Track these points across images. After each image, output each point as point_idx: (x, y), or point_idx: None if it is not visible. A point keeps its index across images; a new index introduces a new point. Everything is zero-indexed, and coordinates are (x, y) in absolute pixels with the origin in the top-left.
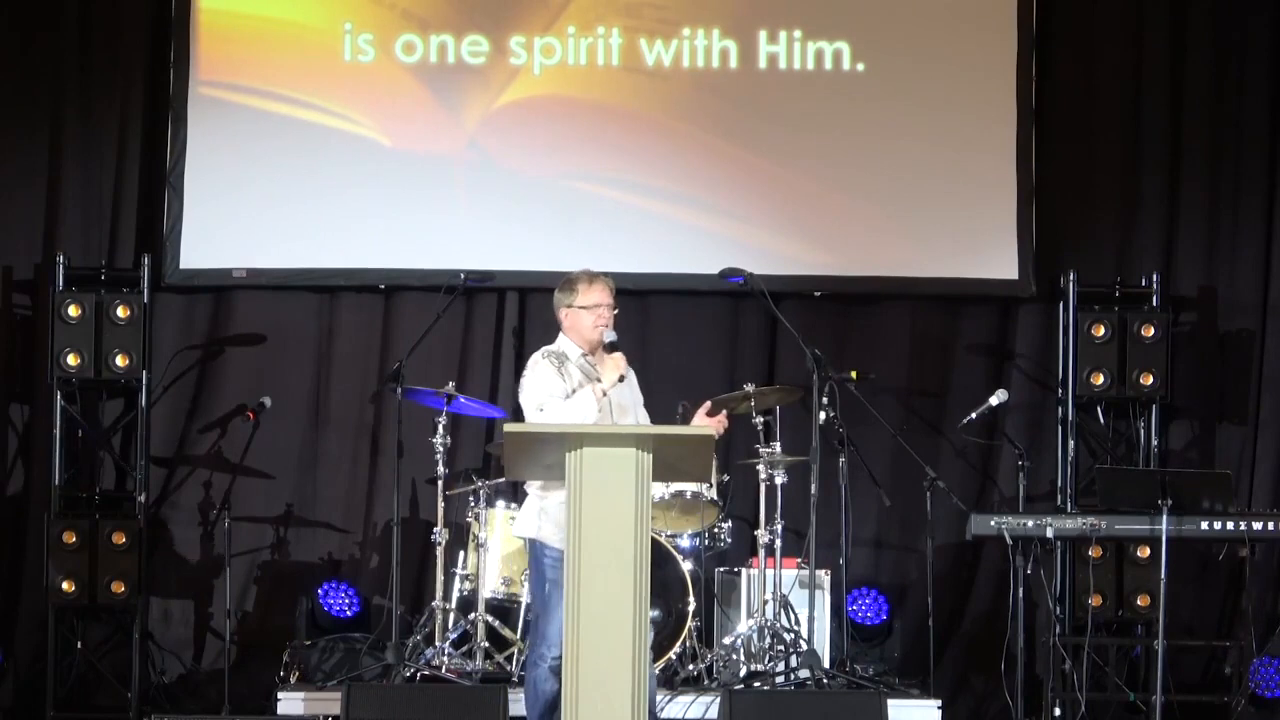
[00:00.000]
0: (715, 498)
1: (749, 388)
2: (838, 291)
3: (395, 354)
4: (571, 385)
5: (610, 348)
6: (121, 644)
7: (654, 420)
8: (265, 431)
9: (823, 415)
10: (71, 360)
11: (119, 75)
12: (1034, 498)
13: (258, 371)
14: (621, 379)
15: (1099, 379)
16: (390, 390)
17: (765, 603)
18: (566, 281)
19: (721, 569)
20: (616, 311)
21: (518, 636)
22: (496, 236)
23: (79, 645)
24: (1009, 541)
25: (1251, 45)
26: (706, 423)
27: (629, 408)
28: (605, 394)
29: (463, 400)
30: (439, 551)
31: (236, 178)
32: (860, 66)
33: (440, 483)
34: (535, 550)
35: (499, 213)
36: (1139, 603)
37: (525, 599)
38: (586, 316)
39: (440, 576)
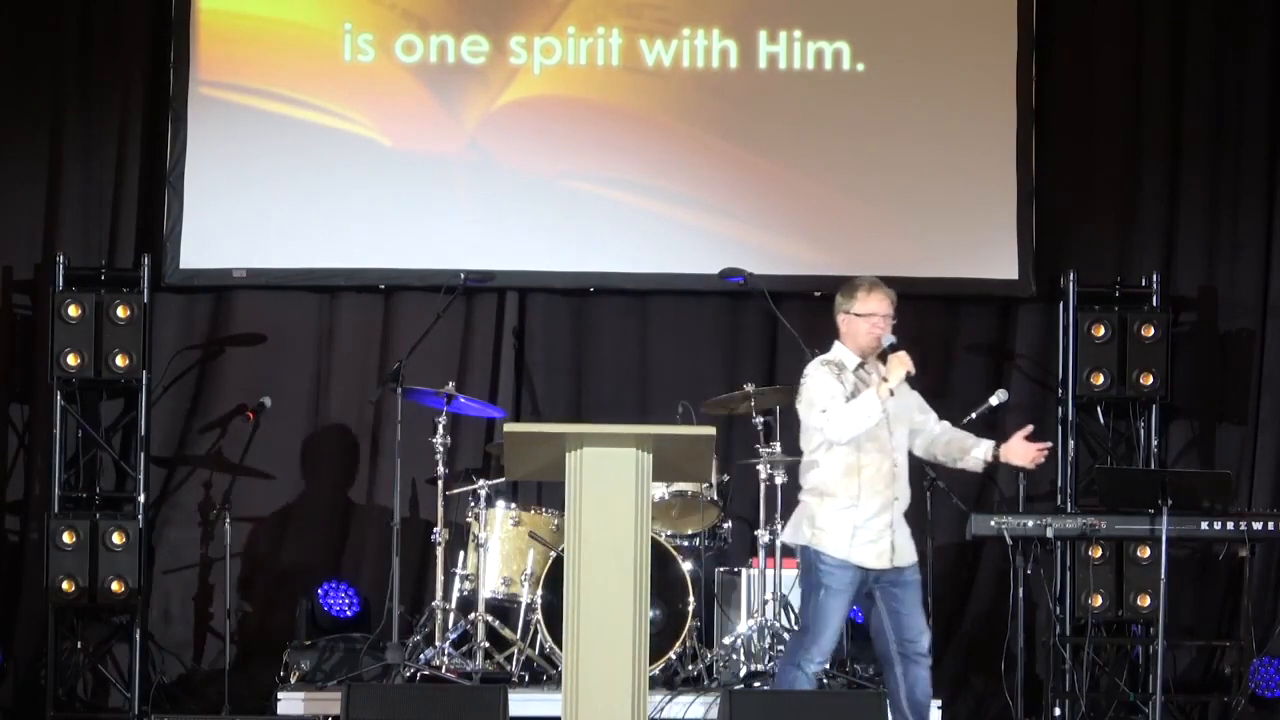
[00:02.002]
0: (715, 498)
1: (749, 388)
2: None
3: (395, 354)
4: (849, 391)
5: (891, 349)
6: (121, 644)
7: (654, 420)
8: (265, 431)
9: None
10: (71, 360)
11: (119, 75)
12: (1034, 498)
13: (258, 371)
14: (909, 375)
15: (1099, 379)
16: (390, 390)
17: (765, 603)
18: (848, 286)
19: (721, 569)
20: (895, 322)
21: (518, 636)
22: (496, 236)
23: (79, 645)
24: (1009, 541)
25: (1252, 45)
26: (1025, 450)
27: (904, 415)
28: (893, 393)
29: (463, 400)
30: (439, 551)
31: (236, 178)
32: (860, 66)
33: (440, 483)
34: (809, 557)
35: (499, 213)
36: (1139, 603)
37: (525, 599)
38: (862, 324)
39: (440, 576)
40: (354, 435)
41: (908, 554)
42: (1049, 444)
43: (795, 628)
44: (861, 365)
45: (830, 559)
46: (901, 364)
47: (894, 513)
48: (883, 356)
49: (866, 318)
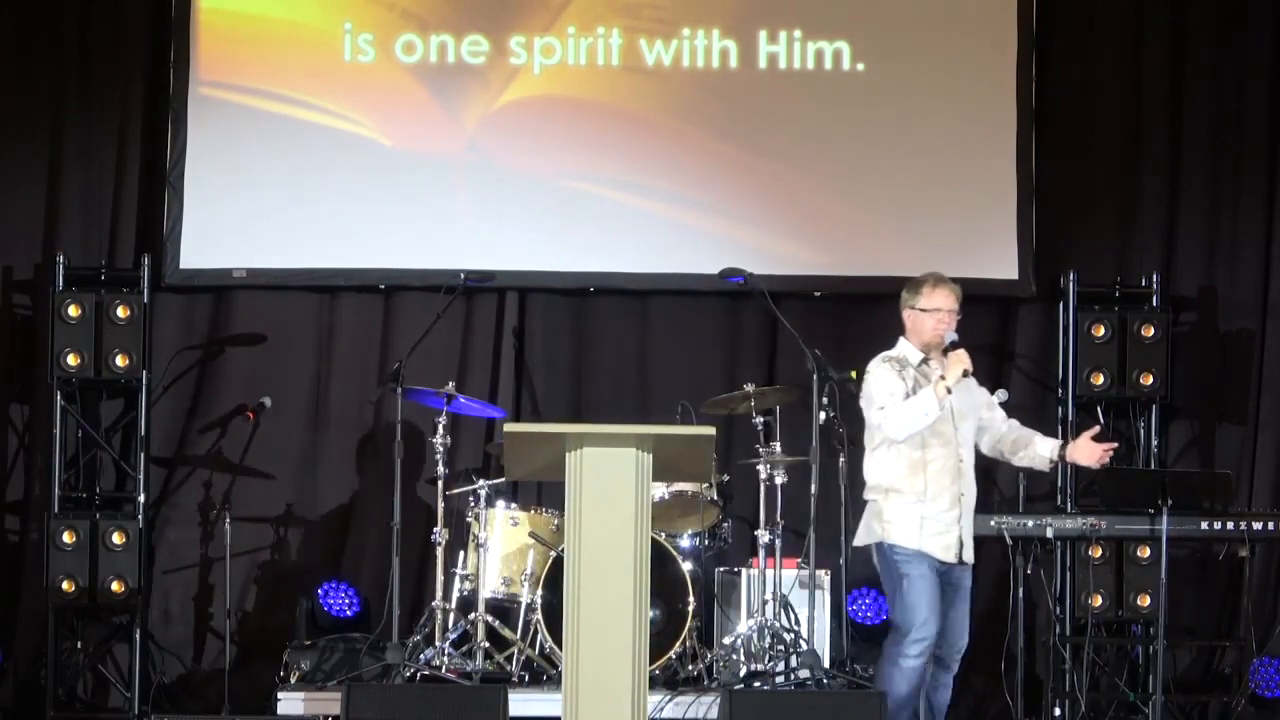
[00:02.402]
0: (715, 498)
1: (749, 388)
2: (838, 291)
3: (395, 354)
4: (910, 388)
5: (952, 347)
6: (121, 644)
7: (654, 420)
8: (265, 431)
9: (823, 415)
10: (71, 360)
11: (119, 75)
12: (1034, 498)
13: (258, 371)
14: (967, 373)
15: (1099, 379)
16: (390, 390)
17: (765, 603)
18: (912, 283)
19: (721, 569)
20: (959, 318)
21: (518, 636)
22: (496, 236)
23: (79, 645)
24: (1009, 541)
25: (1252, 45)
26: (1092, 450)
27: (969, 412)
28: (950, 391)
29: (463, 400)
30: (439, 551)
31: (236, 178)
32: (860, 67)
33: (440, 483)
34: (884, 553)
35: (499, 213)
36: (1139, 603)
37: (525, 599)
38: (927, 319)
39: (440, 576)
40: (354, 435)
41: (971, 552)
42: (1115, 444)
43: (795, 628)
44: (925, 361)
45: (904, 549)
46: (960, 362)
47: (961, 508)
48: (946, 353)
49: (931, 313)
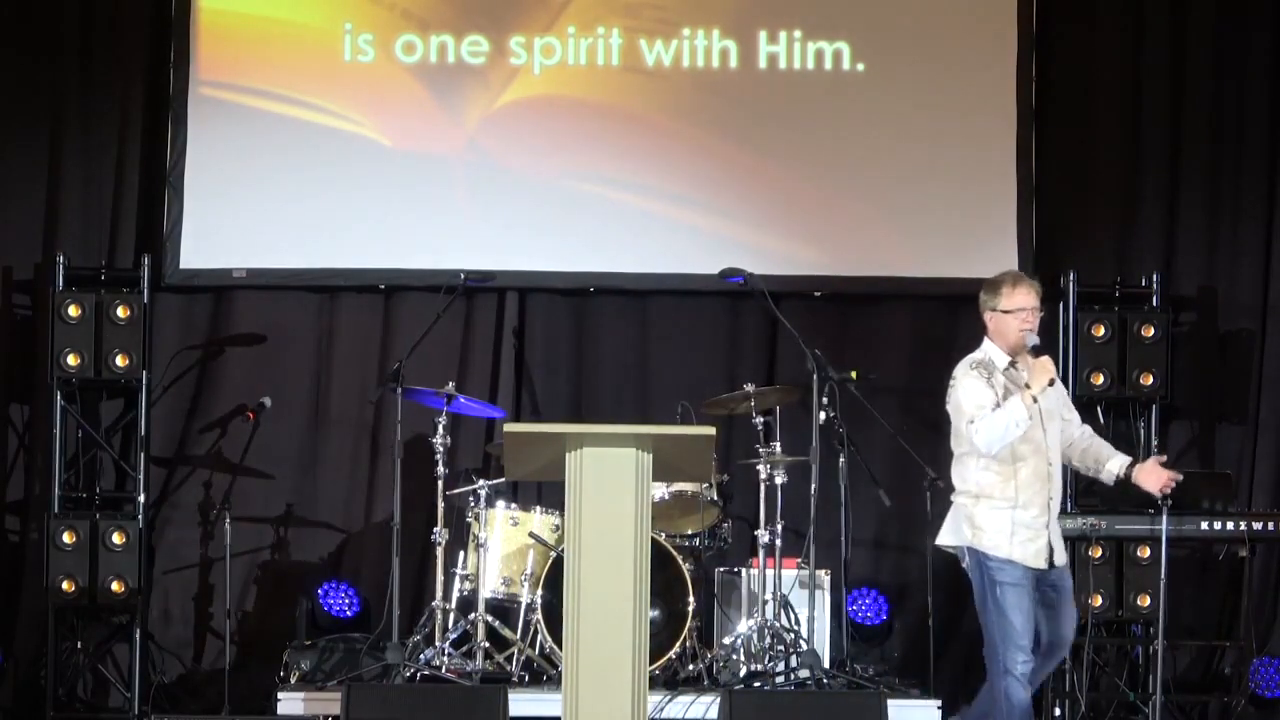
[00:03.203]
0: (715, 498)
1: (749, 388)
2: (838, 291)
3: (395, 354)
4: (999, 394)
5: (1035, 351)
6: (121, 644)
7: (654, 420)
8: (265, 431)
9: (823, 415)
10: (71, 360)
11: (119, 75)
12: None
13: (258, 371)
14: (1052, 382)
15: (1099, 379)
16: (390, 390)
17: (765, 603)
18: (990, 284)
19: (721, 569)
20: (1042, 314)
21: (518, 636)
22: (496, 236)
23: (79, 645)
24: None
25: (1252, 45)
26: (1158, 476)
27: (1057, 413)
28: (1035, 399)
29: (463, 400)
30: (439, 551)
31: (236, 178)
32: (860, 66)
33: (440, 483)
34: (974, 559)
35: (499, 213)
36: (1139, 603)
37: (525, 599)
38: (1011, 320)
39: (440, 576)
40: (354, 435)
41: (1062, 554)
42: (1180, 475)
43: (795, 628)
44: (1012, 364)
45: (996, 558)
46: (1044, 370)
47: (1050, 514)
48: (1033, 355)
49: (1015, 313)
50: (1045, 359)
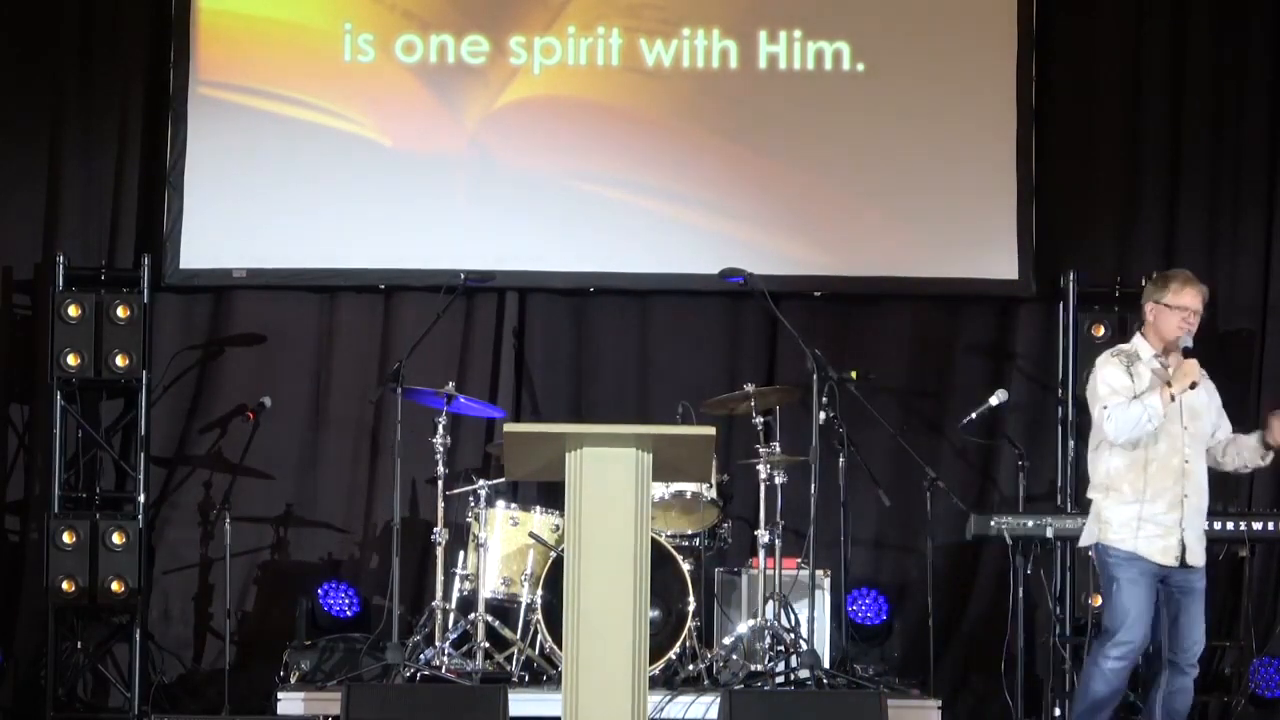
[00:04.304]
0: (715, 498)
1: (749, 388)
2: (838, 291)
3: (395, 354)
4: (1141, 385)
5: (1186, 353)
6: (121, 644)
7: (654, 420)
8: (265, 431)
9: (823, 415)
10: (71, 360)
11: (119, 75)
12: (1034, 498)
13: (258, 371)
14: (1194, 385)
15: None
16: (390, 390)
17: (765, 603)
18: (1161, 278)
19: (721, 569)
20: (1201, 319)
21: (518, 636)
22: (497, 236)
23: (79, 645)
24: (1009, 541)
25: (1252, 45)
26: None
27: (1202, 412)
28: (1174, 398)
29: (463, 400)
30: (439, 551)
31: (236, 178)
32: (860, 66)
33: (440, 483)
34: (1100, 554)
35: (499, 213)
36: None
37: (525, 599)
38: (1172, 317)
39: (440, 576)
40: (354, 435)
41: (1198, 555)
42: None
43: (795, 628)
44: (1158, 357)
45: (1118, 552)
46: (1189, 373)
47: (1185, 510)
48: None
49: (1178, 310)
50: (1192, 362)
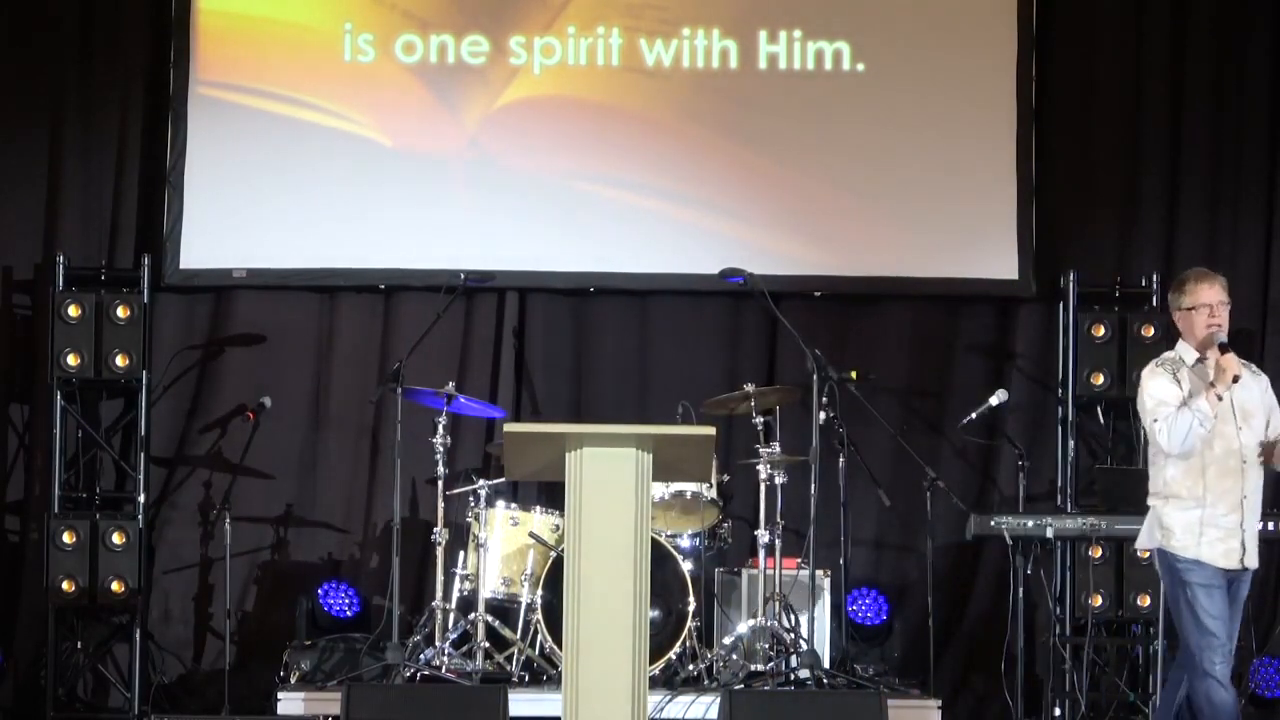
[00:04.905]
0: (715, 498)
1: (749, 388)
2: (838, 291)
3: (395, 354)
4: (1187, 392)
5: (1222, 349)
6: (121, 644)
7: (654, 420)
8: (265, 431)
9: (823, 415)
10: (71, 360)
11: (119, 75)
12: (1034, 498)
13: (258, 371)
14: (1236, 379)
15: (1099, 379)
16: (390, 390)
17: (765, 603)
18: (1175, 284)
19: (721, 569)
20: (1229, 307)
21: (518, 636)
22: (497, 236)
23: (79, 645)
24: (1009, 541)
25: (1252, 45)
26: None
27: (1255, 410)
28: (1220, 398)
29: (463, 400)
30: (439, 551)
31: (236, 178)
32: (860, 66)
33: (440, 483)
34: (1165, 561)
35: (499, 213)
36: (1139, 603)
37: (525, 599)
38: (1196, 317)
39: (440, 576)
40: (354, 435)
41: (1255, 556)
42: None
43: (795, 628)
44: (1200, 360)
45: (1184, 559)
46: (1228, 368)
47: (1244, 512)
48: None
49: (1199, 309)
50: (1229, 356)
